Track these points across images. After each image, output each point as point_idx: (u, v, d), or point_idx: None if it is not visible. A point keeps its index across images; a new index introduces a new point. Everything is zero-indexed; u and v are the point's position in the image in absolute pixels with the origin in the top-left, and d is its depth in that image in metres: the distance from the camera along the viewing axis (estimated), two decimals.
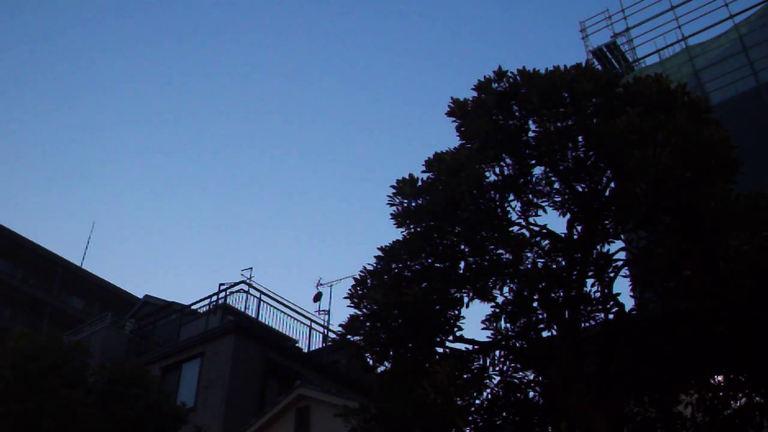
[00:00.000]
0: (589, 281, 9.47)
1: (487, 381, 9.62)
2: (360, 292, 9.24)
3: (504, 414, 9.68)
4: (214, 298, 21.59)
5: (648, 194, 8.37)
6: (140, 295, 31.42)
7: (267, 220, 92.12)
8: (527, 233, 9.39)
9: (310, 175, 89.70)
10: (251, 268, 23.23)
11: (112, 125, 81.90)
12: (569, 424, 8.41)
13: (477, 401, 9.57)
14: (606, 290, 9.39)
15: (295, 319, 22.11)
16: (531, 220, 9.52)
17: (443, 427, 8.41)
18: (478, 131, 9.30)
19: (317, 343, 22.49)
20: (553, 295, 9.33)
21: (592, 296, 9.45)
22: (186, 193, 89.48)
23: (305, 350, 21.90)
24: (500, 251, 9.21)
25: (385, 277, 9.22)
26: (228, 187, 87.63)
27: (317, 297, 23.01)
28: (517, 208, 9.54)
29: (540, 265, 9.29)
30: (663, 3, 23.95)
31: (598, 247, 9.39)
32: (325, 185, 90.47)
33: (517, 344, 9.67)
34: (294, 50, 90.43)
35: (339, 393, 16.08)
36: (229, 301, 21.42)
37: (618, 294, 9.48)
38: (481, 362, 9.62)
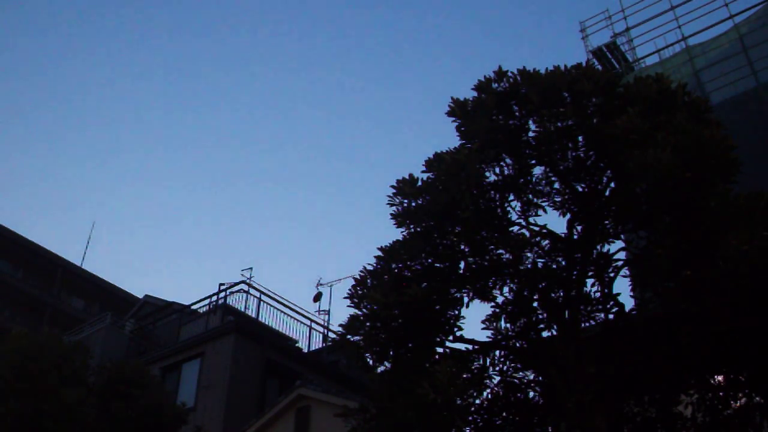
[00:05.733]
0: (589, 281, 9.47)
1: (487, 381, 9.61)
2: (360, 292, 9.23)
3: (504, 414, 9.68)
4: (214, 298, 21.62)
5: (648, 194, 8.37)
6: (140, 295, 31.45)
7: (267, 220, 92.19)
8: (527, 233, 9.39)
9: (310, 175, 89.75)
10: (251, 268, 23.29)
11: (113, 125, 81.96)
12: (569, 424, 8.41)
13: (477, 401, 9.56)
14: (606, 290, 9.39)
15: (295, 319, 22.14)
16: (531, 220, 9.53)
17: (443, 427, 8.41)
18: (478, 131, 9.30)
19: (317, 343, 22.51)
20: (553, 295, 9.33)
21: (592, 296, 9.44)
22: (186, 192, 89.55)
23: (305, 350, 21.90)
24: (500, 251, 9.21)
25: (385, 277, 9.22)
26: (228, 187, 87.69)
27: (317, 297, 23.02)
28: (517, 208, 9.54)
29: (540, 265, 9.29)
30: (663, 3, 23.93)
31: (598, 247, 9.39)
32: (325, 185, 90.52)
33: (517, 344, 9.66)
34: (294, 49, 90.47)
35: (339, 393, 16.08)
36: (229, 301, 21.44)
37: (618, 294, 9.49)
38: (481, 362, 9.62)
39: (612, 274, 9.38)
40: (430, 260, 9.31)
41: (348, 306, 9.25)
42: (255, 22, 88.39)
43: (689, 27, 23.62)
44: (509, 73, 9.59)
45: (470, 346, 9.57)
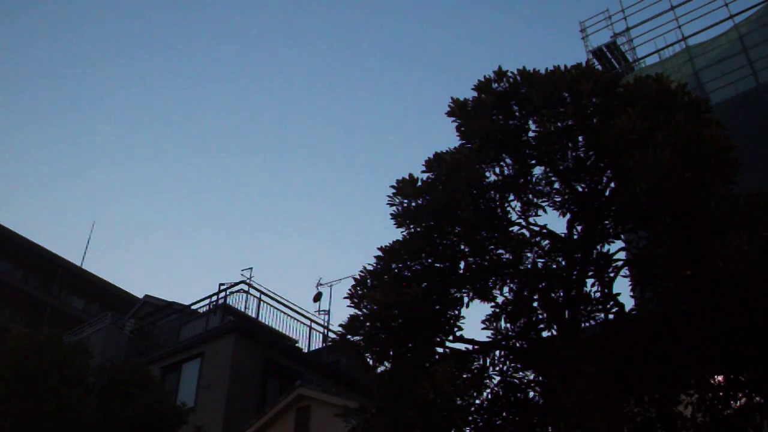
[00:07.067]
0: (589, 281, 9.46)
1: (487, 381, 9.60)
2: (360, 292, 9.23)
3: (504, 414, 9.67)
4: (214, 298, 21.62)
5: (648, 194, 8.36)
6: (140, 295, 31.45)
7: (267, 220, 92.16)
8: (527, 233, 9.38)
9: (310, 175, 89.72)
10: (251, 268, 23.25)
11: (112, 125, 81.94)
12: (569, 424, 8.40)
13: (477, 401, 9.55)
14: (606, 290, 9.38)
15: (295, 319, 22.14)
16: (531, 220, 9.51)
17: (443, 427, 8.41)
18: (478, 131, 9.29)
19: (317, 343, 22.51)
20: (553, 295, 9.32)
21: (592, 296, 9.43)
22: (186, 193, 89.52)
23: (305, 350, 21.90)
24: (500, 251, 9.19)
25: (385, 277, 9.21)
26: (228, 187, 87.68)
27: (317, 297, 23.01)
28: (517, 208, 9.53)
29: (540, 265, 9.28)
30: (663, 3, 23.96)
31: (598, 247, 9.38)
32: (325, 185, 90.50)
33: (517, 344, 9.66)
34: (294, 49, 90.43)
35: (339, 393, 16.09)
36: (229, 301, 21.43)
37: (618, 294, 9.48)
38: (481, 362, 9.61)
39: (612, 274, 9.37)
40: (430, 260, 9.30)
41: (348, 306, 9.26)
42: (254, 25, 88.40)
43: (689, 27, 23.68)
44: (509, 73, 9.58)
45: (470, 346, 9.57)
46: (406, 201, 9.34)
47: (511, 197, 9.52)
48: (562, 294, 9.30)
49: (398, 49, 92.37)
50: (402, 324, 8.91)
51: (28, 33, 78.57)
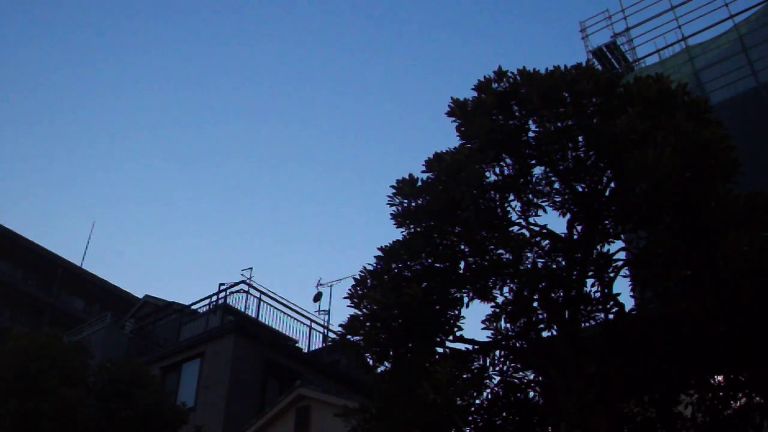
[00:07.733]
0: (589, 281, 9.47)
1: (487, 381, 9.61)
2: (360, 292, 9.23)
3: (504, 414, 9.68)
4: (214, 298, 21.63)
5: (648, 194, 8.36)
6: (140, 295, 31.46)
7: (267, 220, 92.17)
8: (527, 233, 9.38)
9: (310, 175, 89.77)
10: (251, 268, 23.25)
11: (113, 125, 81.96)
12: (569, 424, 8.40)
13: (477, 401, 9.56)
14: (606, 290, 9.39)
15: (295, 319, 22.15)
16: (531, 220, 9.52)
17: (443, 427, 8.41)
18: (478, 131, 9.29)
19: (317, 343, 22.52)
20: (553, 295, 9.32)
21: (592, 296, 9.44)
22: (186, 193, 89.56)
23: (305, 350, 21.91)
24: (500, 251, 9.19)
25: (385, 277, 9.21)
26: (228, 187, 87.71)
27: (317, 297, 23.03)
28: (517, 208, 9.53)
29: (540, 265, 9.28)
30: (663, 3, 23.98)
31: (598, 247, 9.38)
32: (325, 185, 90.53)
33: (517, 344, 9.66)
34: (293, 51, 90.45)
35: (339, 393, 16.09)
36: (229, 301, 21.45)
37: (618, 294, 9.48)
38: (481, 362, 9.62)
39: (612, 274, 9.37)
40: (430, 260, 9.30)
41: (348, 306, 9.26)
42: (255, 29, 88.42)
43: (689, 27, 23.64)
44: (509, 73, 9.57)
45: (470, 346, 9.57)
46: (406, 201, 9.35)
47: (511, 197, 9.52)
48: (562, 294, 9.30)
49: (398, 49, 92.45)
50: (402, 324, 8.92)
51: (28, 31, 78.64)
